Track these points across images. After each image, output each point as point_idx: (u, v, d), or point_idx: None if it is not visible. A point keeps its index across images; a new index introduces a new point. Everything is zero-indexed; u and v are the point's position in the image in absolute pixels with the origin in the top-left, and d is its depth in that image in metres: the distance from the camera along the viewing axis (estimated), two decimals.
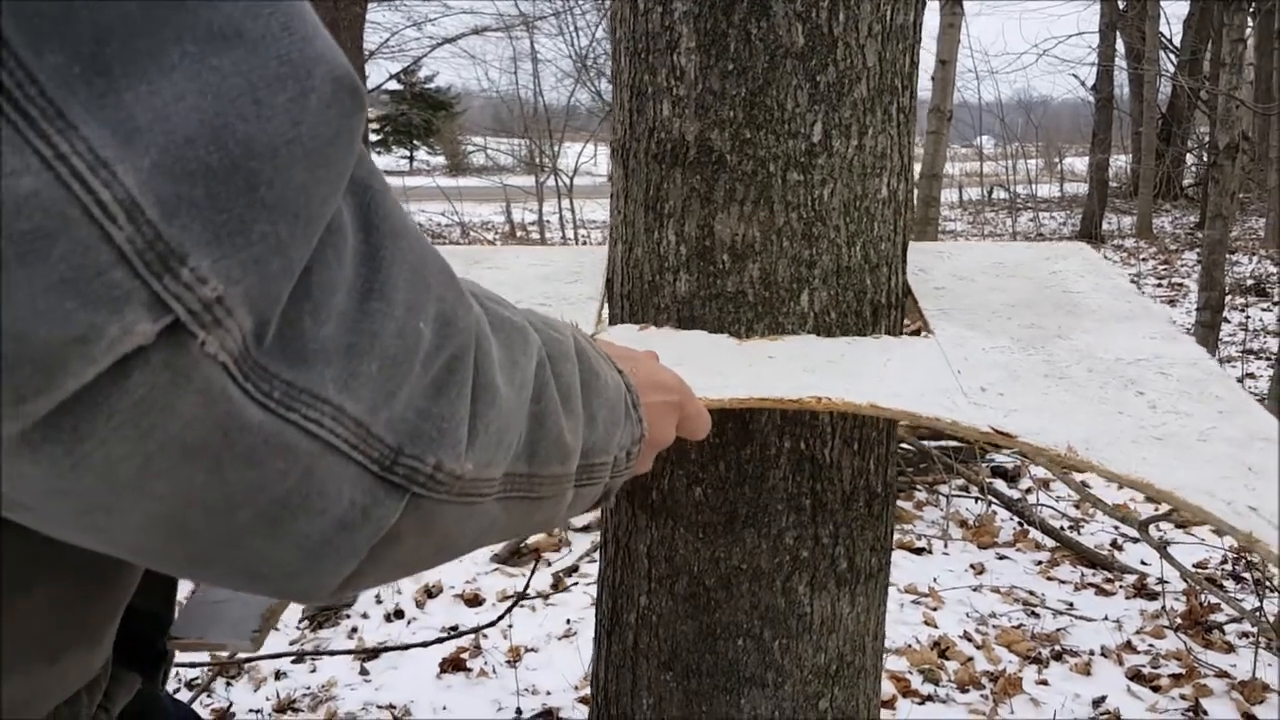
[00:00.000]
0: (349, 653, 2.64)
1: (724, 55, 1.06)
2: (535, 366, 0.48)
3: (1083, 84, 16.60)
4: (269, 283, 0.31)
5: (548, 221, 11.45)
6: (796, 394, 0.95)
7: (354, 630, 3.02)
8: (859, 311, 1.15)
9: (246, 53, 0.30)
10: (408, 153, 26.42)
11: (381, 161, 24.21)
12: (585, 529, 3.73)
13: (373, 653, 2.68)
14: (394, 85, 22.30)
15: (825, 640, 1.21)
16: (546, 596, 3.23)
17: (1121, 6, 15.49)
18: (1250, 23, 14.35)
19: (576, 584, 3.32)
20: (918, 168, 8.77)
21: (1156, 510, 3.84)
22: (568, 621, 3.05)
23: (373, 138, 21.18)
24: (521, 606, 3.13)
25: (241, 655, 2.60)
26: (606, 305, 1.25)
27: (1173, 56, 17.19)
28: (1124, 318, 1.19)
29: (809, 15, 1.04)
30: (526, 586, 2.38)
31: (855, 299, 1.15)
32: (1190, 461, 0.86)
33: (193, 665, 2.26)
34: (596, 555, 3.40)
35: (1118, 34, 15.50)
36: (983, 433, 0.91)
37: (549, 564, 3.47)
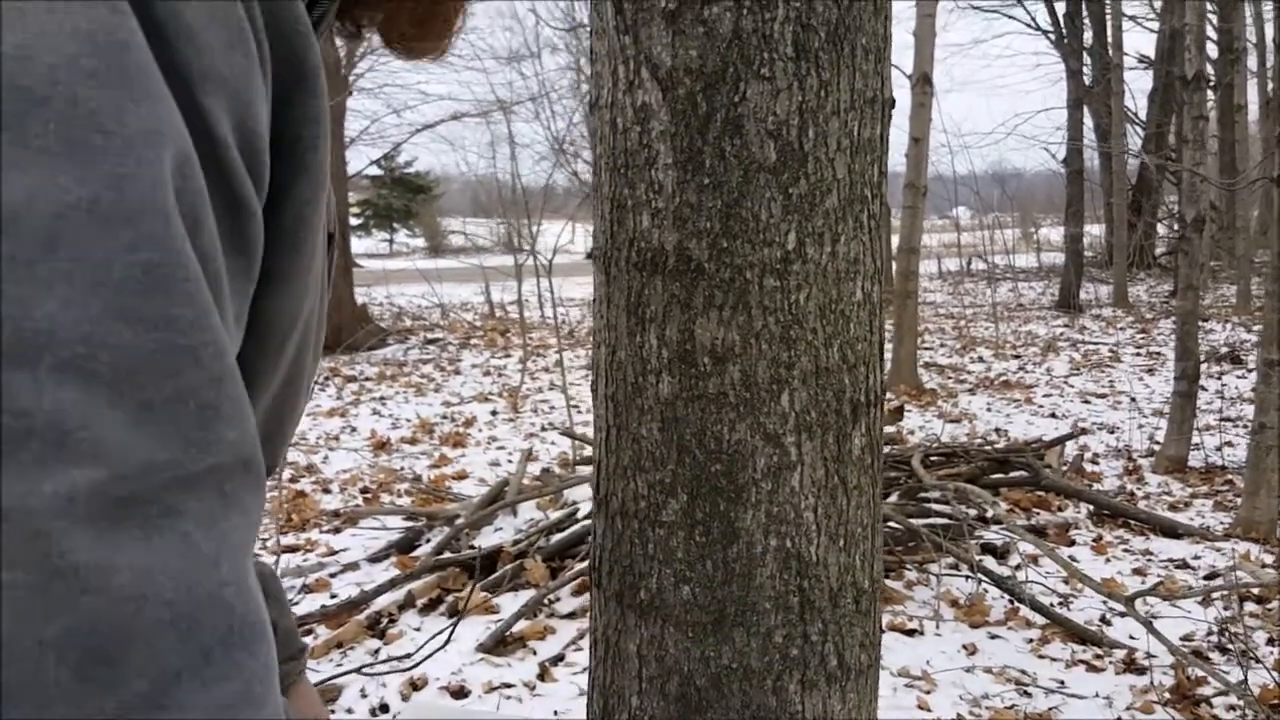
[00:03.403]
0: None
1: (700, 170, 1.10)
2: None
3: (1054, 157, 16.96)
4: None
5: (527, 300, 11.54)
6: None
7: None
8: (839, 410, 1.18)
9: None
10: (388, 236, 26.64)
11: (362, 245, 24.36)
12: (571, 616, 3.70)
13: None
14: (375, 170, 22.57)
15: None
16: (532, 687, 3.19)
17: (1088, 83, 15.90)
18: (1211, 97, 14.76)
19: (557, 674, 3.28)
20: (895, 241, 8.91)
21: (1143, 584, 3.85)
22: (555, 713, 3.02)
23: (353, 221, 21.34)
24: (508, 698, 3.10)
25: None
26: (592, 407, 1.27)
27: (1139, 130, 17.63)
28: None
29: (780, 133, 1.08)
30: None
31: (834, 398, 1.17)
32: None
33: None
34: (582, 643, 3.37)
35: (1085, 109, 15.90)
36: None
37: (534, 652, 3.44)
